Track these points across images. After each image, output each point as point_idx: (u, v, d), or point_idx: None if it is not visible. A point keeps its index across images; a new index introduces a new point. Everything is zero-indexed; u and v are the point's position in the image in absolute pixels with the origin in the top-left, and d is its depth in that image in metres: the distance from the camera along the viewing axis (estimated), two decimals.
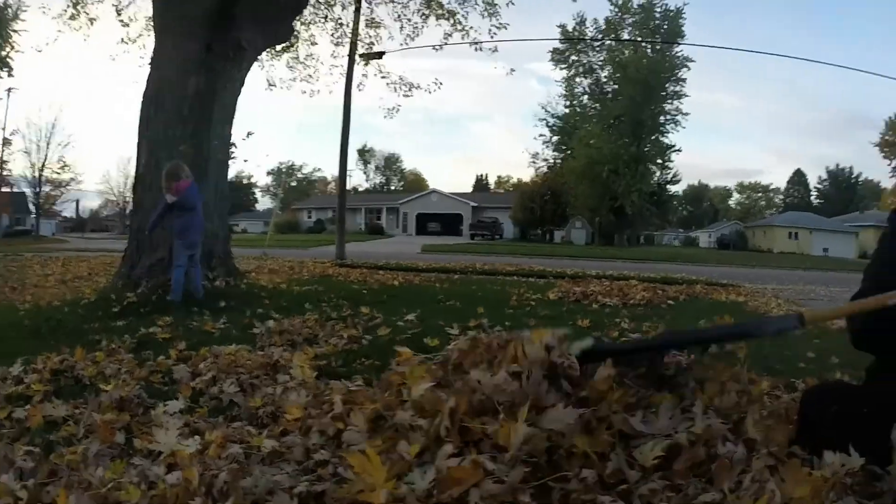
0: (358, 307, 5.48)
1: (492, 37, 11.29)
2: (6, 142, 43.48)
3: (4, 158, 44.07)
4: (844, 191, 73.61)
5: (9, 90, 41.21)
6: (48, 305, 6.03)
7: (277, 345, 3.92)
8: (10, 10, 39.30)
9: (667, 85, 42.70)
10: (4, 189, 46.21)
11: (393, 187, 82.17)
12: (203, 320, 4.88)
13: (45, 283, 9.72)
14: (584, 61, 47.30)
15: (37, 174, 49.94)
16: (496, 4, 10.93)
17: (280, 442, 1.93)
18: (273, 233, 23.82)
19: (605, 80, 46.93)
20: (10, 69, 40.11)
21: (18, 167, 50.39)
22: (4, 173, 45.06)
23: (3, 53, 39.62)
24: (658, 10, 42.48)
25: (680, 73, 43.02)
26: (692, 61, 43.01)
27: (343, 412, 1.98)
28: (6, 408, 2.68)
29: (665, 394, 1.76)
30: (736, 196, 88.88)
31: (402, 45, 12.10)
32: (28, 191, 52.65)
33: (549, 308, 5.99)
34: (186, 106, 6.38)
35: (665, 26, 42.58)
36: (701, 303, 7.04)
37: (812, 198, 76.99)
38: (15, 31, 39.73)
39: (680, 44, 41.26)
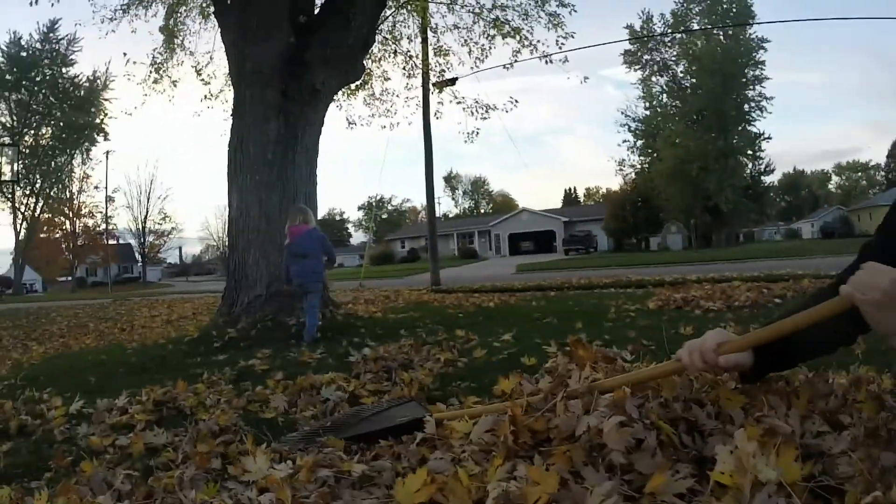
0: (453, 331, 5.44)
1: (560, 47, 11.16)
2: (109, 199, 48.20)
3: (109, 214, 48.66)
4: None
5: (107, 153, 46.11)
6: (154, 344, 6.42)
7: (373, 371, 3.94)
8: (100, 81, 43.65)
9: (745, 70, 40.81)
10: (111, 241, 50.71)
11: (482, 210, 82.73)
12: (301, 352, 5.00)
13: (151, 323, 10.43)
14: (658, 59, 45.90)
15: (140, 226, 55.05)
16: (559, 15, 10.82)
17: (370, 466, 1.90)
18: (368, 265, 24.47)
19: (681, 75, 45.28)
20: (106, 134, 44.67)
21: (122, 221, 55.73)
22: (110, 227, 49.62)
23: (99, 120, 43.87)
24: None
25: (757, 56, 41.00)
26: (768, 41, 40.96)
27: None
28: (111, 436, 2.88)
29: None
30: (835, 179, 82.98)
31: (472, 68, 12.19)
32: (133, 241, 58.05)
33: (649, 318, 5.74)
34: (270, 151, 6.68)
35: (734, 10, 40.71)
36: None
37: None
38: (106, 99, 44.08)
39: (752, 23, 39.23)
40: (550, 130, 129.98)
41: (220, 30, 7.40)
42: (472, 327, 5.71)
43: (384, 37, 11.46)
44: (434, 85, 13.36)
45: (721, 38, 41.68)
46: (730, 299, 6.55)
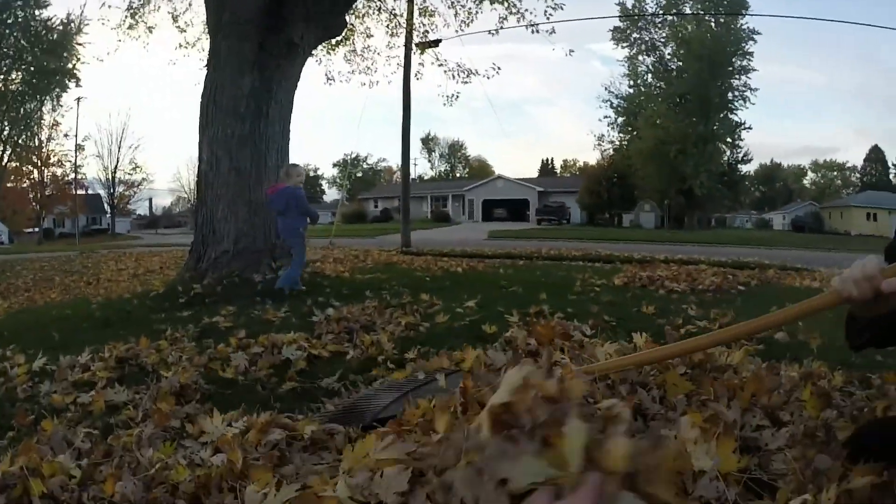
0: (418, 294, 5.45)
1: (548, 18, 11.03)
2: (79, 147, 46.98)
3: (79, 163, 47.51)
4: None
5: (78, 99, 44.49)
6: (119, 298, 6.33)
7: (335, 332, 3.92)
8: (73, 24, 42.13)
9: (733, 60, 40.93)
10: (80, 191, 49.62)
11: (458, 174, 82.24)
12: (265, 309, 4.97)
13: (118, 277, 10.28)
14: (647, 39, 45.63)
15: (110, 176, 53.85)
16: None
17: (324, 429, 1.90)
18: (339, 223, 24.27)
19: (668, 57, 45.17)
20: (78, 80, 43.32)
21: (92, 170, 54.38)
22: (79, 177, 48.52)
23: (71, 66, 42.51)
24: None
25: (746, 47, 41.10)
26: (758, 34, 41.00)
27: None
28: (72, 393, 2.85)
29: None
30: (811, 175, 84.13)
31: (457, 31, 12.00)
32: (102, 192, 56.88)
33: (613, 294, 5.80)
34: (243, 104, 6.52)
35: None
36: (773, 288, 6.63)
37: (891, 176, 71.56)
38: (80, 44, 42.61)
39: (745, 15, 39.25)
40: (533, 100, 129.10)
41: None
42: (438, 292, 5.72)
43: None
44: (417, 45, 13.15)
45: (712, 24, 41.60)
46: (694, 282, 6.64)
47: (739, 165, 46.04)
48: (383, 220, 48.86)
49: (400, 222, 17.63)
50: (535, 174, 73.28)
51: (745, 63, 41.62)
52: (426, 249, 13.71)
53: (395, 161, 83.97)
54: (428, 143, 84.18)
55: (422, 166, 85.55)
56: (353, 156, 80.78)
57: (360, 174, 79.87)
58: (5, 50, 41.47)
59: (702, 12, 40.73)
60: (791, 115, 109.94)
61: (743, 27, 40.95)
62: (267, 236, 6.55)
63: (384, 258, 11.15)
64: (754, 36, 40.93)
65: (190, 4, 10.76)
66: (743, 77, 41.91)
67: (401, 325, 4.05)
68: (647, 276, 6.94)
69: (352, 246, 15.46)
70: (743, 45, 40.98)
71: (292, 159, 7.10)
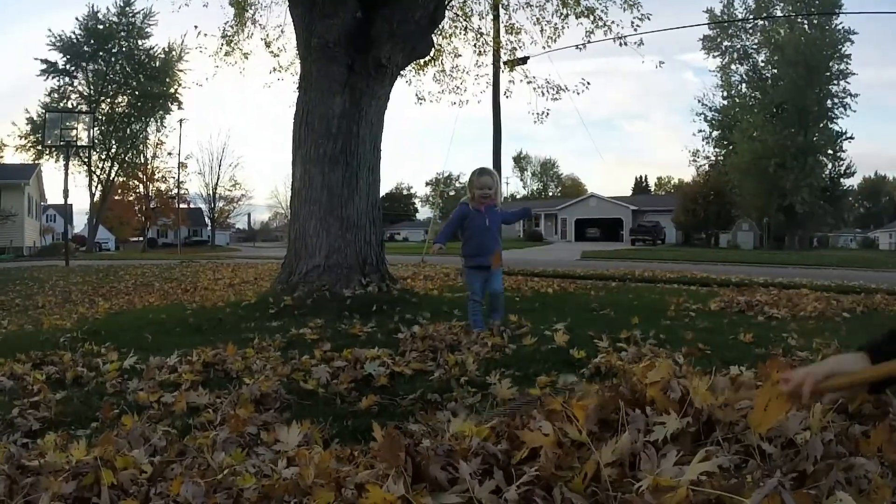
0: (507, 315, 5.36)
1: (635, 29, 10.74)
2: (182, 165, 50.64)
3: (182, 179, 51.22)
4: None
5: (180, 121, 48.81)
6: (213, 306, 6.60)
7: (419, 350, 3.92)
8: (174, 52, 45.54)
9: (830, 64, 38.59)
10: (182, 205, 53.28)
11: (550, 193, 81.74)
12: (352, 324, 5.03)
13: (214, 286, 10.78)
14: (738, 46, 43.80)
15: (210, 191, 57.61)
16: None
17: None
18: (432, 240, 24.58)
19: (762, 64, 43.18)
20: (180, 103, 47.14)
21: (194, 186, 58.49)
22: (182, 192, 52.17)
23: (173, 90, 45.91)
24: None
25: (843, 49, 38.62)
26: (855, 34, 38.59)
27: None
28: (157, 392, 3.00)
29: None
30: None
31: (544, 47, 11.90)
32: (204, 206, 60.74)
33: (708, 319, 5.51)
34: (334, 124, 6.71)
35: None
36: (881, 315, 6.10)
37: None
38: (181, 70, 46.06)
39: (838, 13, 36.88)
40: (625, 115, 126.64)
41: (288, 4, 7.45)
42: (527, 313, 5.59)
43: (455, 13, 11.32)
44: (505, 63, 13.13)
45: (805, 27, 39.36)
46: (795, 308, 6.23)
47: (842, 179, 43.25)
48: None
49: None
50: (628, 192, 71.87)
51: (842, 67, 39.31)
52: (517, 269, 13.58)
53: None
54: (520, 161, 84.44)
55: (514, 185, 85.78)
56: (446, 175, 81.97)
57: (452, 193, 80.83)
58: (111, 76, 45.44)
59: (793, 14, 38.55)
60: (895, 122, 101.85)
61: (838, 27, 38.56)
62: (358, 252, 6.67)
63: None
64: (851, 36, 38.47)
65: (283, 31, 11.27)
66: (841, 82, 39.65)
67: (487, 346, 3.99)
68: (744, 301, 6.57)
69: (443, 263, 15.57)
70: (839, 47, 38.66)
71: (385, 178, 7.20)
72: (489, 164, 15.73)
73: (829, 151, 40.86)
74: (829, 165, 41.75)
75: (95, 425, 2.57)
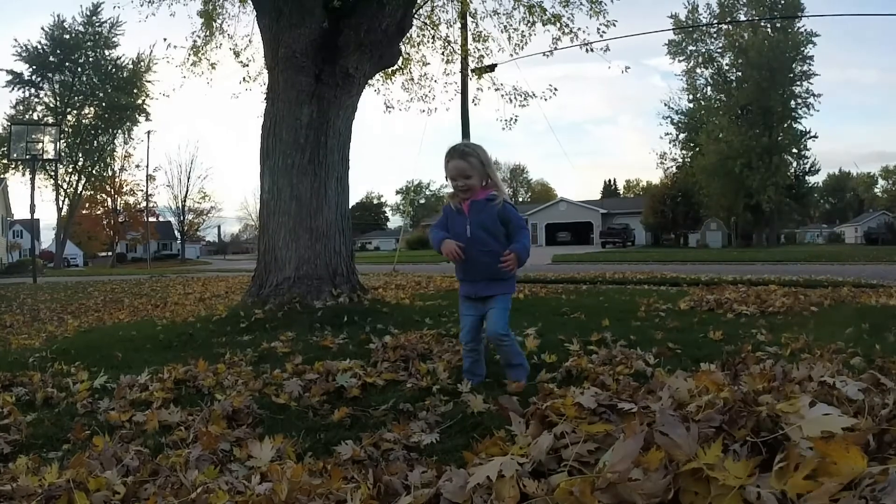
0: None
1: (601, 36, 10.88)
2: (150, 177, 50.02)
3: (150, 192, 50.52)
4: None
5: (148, 132, 48.67)
6: (183, 321, 6.51)
7: (391, 360, 3.93)
8: (142, 63, 44.98)
9: (793, 65, 39.72)
10: (151, 219, 52.61)
11: (521, 199, 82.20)
12: (324, 336, 5.02)
13: (184, 300, 10.62)
14: (703, 50, 44.81)
15: (179, 204, 56.88)
16: (601, 2, 10.52)
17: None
18: (403, 249, 24.57)
19: (727, 67, 44.14)
20: (148, 114, 46.75)
21: (163, 199, 58.03)
22: (150, 205, 51.49)
23: (140, 101, 45.35)
24: None
25: (806, 51, 39.77)
26: (817, 35, 39.82)
27: None
28: (129, 411, 2.98)
29: None
30: (882, 183, 79.80)
31: (511, 55, 11.99)
32: (173, 219, 59.96)
33: (679, 319, 5.61)
34: (302, 135, 6.70)
35: (782, 1, 39.33)
36: (848, 308, 6.24)
37: None
38: (149, 81, 45.48)
39: (800, 16, 37.95)
40: (593, 120, 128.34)
41: (256, 14, 7.41)
42: None
43: (423, 21, 11.37)
44: (473, 71, 13.21)
45: (769, 30, 40.43)
46: (764, 304, 6.37)
47: (807, 177, 44.58)
48: None
49: None
50: (598, 196, 72.86)
51: (805, 68, 40.46)
52: None
53: None
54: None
55: None
56: (416, 183, 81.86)
57: (422, 201, 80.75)
58: (78, 87, 44.66)
59: (756, 18, 39.58)
60: (857, 121, 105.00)
61: (800, 30, 39.70)
62: (328, 263, 6.65)
63: (446, 284, 11.12)
64: (813, 38, 39.62)
65: (250, 41, 11.22)
66: (805, 83, 40.78)
67: (458, 354, 4.01)
68: (714, 300, 6.70)
69: (415, 272, 15.53)
70: (802, 49, 39.73)
71: (355, 187, 7.18)
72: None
73: (794, 150, 41.97)
74: (794, 164, 42.90)
75: (67, 447, 2.53)
